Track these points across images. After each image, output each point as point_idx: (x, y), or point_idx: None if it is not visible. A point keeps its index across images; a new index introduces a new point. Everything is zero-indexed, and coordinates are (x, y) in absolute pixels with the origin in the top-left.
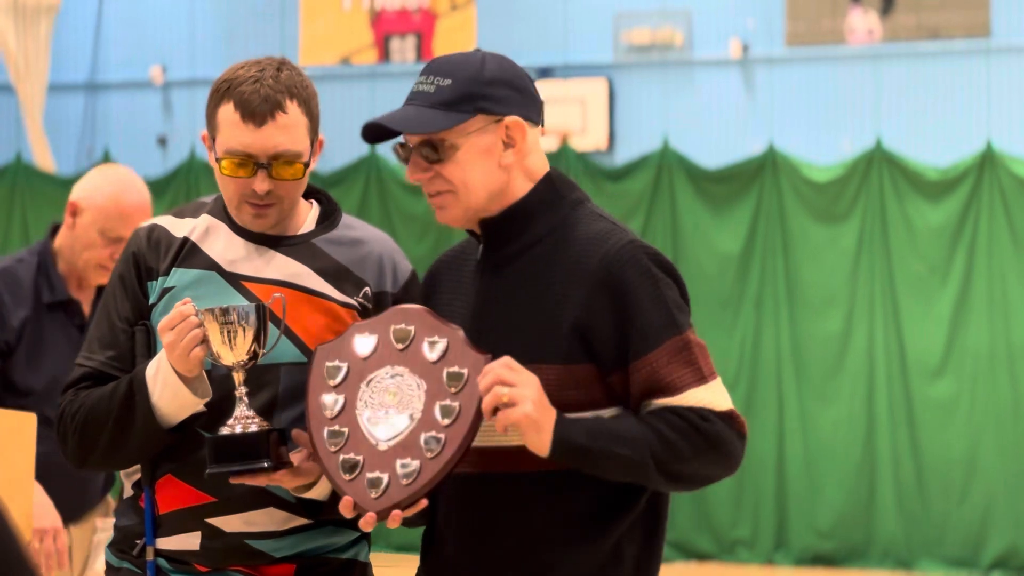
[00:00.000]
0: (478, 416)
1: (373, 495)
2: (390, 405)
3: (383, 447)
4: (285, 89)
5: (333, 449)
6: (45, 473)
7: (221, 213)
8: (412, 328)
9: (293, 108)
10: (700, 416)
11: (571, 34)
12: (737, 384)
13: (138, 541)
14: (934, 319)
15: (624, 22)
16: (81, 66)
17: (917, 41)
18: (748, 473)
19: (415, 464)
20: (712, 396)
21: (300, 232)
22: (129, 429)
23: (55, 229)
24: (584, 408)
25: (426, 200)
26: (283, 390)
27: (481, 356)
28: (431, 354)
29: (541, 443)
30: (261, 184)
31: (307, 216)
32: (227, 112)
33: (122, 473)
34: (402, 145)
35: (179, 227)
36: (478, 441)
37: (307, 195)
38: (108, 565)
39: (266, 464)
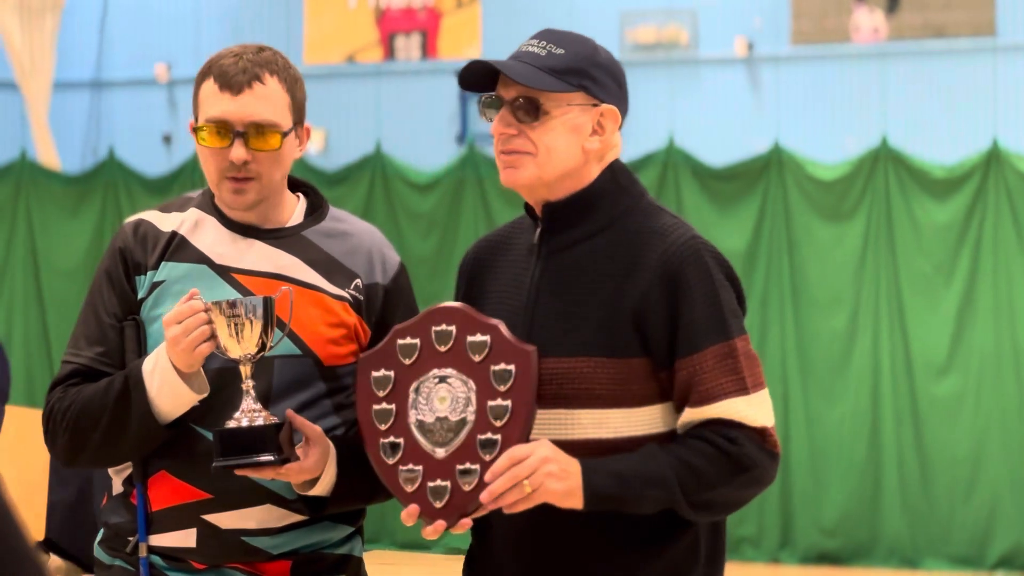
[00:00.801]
0: (531, 412)
1: (438, 504)
2: (442, 411)
3: (440, 454)
4: (264, 64)
5: (391, 462)
6: None
7: (209, 206)
8: (453, 328)
9: (272, 82)
10: (728, 439)
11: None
12: None
13: (130, 538)
14: (940, 317)
15: (629, 20)
16: (86, 63)
17: (923, 40)
18: None
19: (476, 468)
20: (750, 410)
21: (288, 224)
22: (124, 426)
23: None
24: (638, 403)
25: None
26: (277, 383)
27: (527, 349)
28: (475, 354)
29: (573, 503)
30: (237, 152)
31: (295, 209)
32: (207, 87)
33: (111, 470)
34: (493, 97)
35: (166, 221)
36: (535, 433)
37: (294, 188)
38: (98, 562)
39: (272, 458)
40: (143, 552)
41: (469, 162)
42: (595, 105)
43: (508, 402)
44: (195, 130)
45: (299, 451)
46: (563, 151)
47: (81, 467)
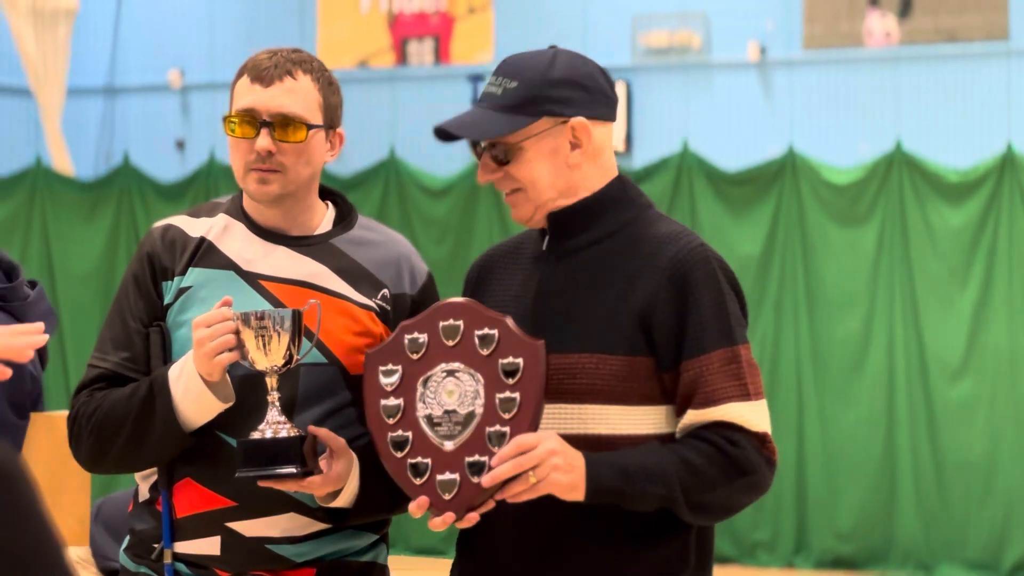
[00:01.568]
0: (539, 405)
1: (447, 497)
2: (450, 404)
3: (449, 447)
4: (298, 62)
5: (399, 455)
6: None
7: (238, 212)
8: (460, 323)
9: (304, 79)
10: (729, 441)
11: (589, 37)
12: None
13: (155, 545)
14: (954, 321)
15: (642, 25)
16: (100, 70)
17: (935, 44)
18: None
19: (484, 461)
20: (751, 414)
21: (317, 232)
22: (149, 431)
23: None
24: (639, 402)
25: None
26: (303, 391)
27: (535, 342)
28: (484, 347)
29: (576, 496)
30: (262, 141)
31: (324, 217)
32: (241, 82)
33: (138, 476)
34: (474, 145)
35: (195, 227)
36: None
37: (323, 197)
38: (124, 569)
39: (296, 470)
40: (168, 559)
41: None
42: (564, 122)
43: (517, 395)
44: (226, 120)
45: (323, 463)
46: (548, 177)
47: (105, 472)
